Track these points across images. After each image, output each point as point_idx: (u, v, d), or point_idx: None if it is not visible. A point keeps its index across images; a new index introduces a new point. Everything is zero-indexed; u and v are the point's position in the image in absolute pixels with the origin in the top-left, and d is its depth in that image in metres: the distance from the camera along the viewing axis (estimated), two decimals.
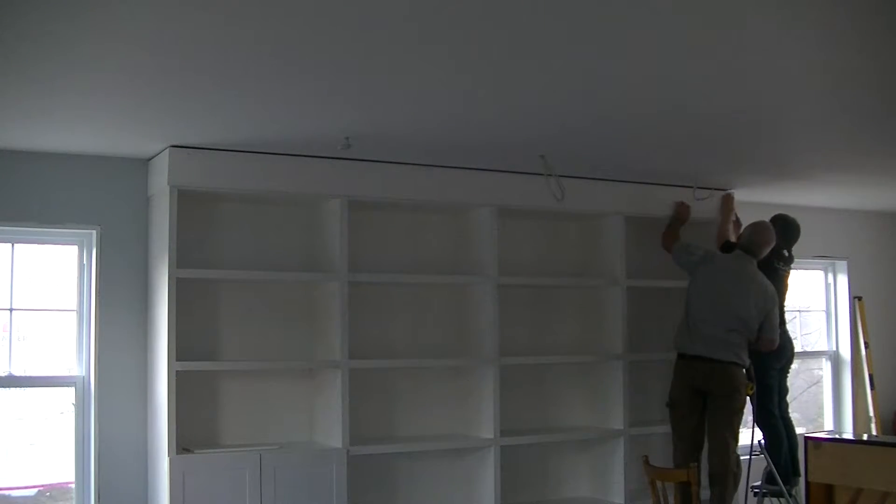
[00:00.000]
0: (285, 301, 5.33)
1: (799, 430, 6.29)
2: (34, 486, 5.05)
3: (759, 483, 5.88)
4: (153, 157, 5.02)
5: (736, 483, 5.37)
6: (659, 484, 4.89)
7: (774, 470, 5.69)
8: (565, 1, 2.97)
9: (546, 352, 5.98)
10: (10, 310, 4.95)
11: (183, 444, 4.74)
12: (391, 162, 5.24)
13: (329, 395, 5.17)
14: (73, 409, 4.97)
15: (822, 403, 7.64)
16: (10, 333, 5.00)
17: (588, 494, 6.06)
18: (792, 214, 7.26)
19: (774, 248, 5.85)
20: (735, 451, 5.37)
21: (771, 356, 5.82)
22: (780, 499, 5.88)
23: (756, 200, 6.74)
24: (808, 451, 4.84)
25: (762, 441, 5.98)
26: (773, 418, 5.89)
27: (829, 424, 7.53)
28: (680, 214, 6.02)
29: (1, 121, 4.30)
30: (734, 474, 5.34)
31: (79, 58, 3.39)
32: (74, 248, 5.08)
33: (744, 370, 5.43)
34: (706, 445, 5.42)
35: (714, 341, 5.37)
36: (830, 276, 7.65)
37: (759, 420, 5.84)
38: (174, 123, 4.42)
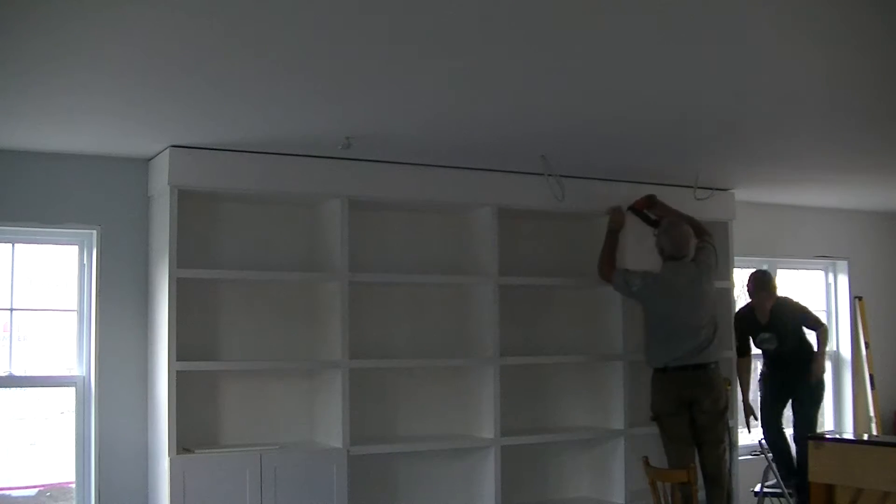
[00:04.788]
0: (285, 301, 5.33)
1: None
2: (35, 486, 5.06)
3: (758, 485, 5.89)
4: (153, 157, 5.02)
5: (730, 486, 5.42)
6: (660, 484, 4.89)
7: (774, 469, 5.69)
8: (565, 2, 2.98)
9: (546, 352, 5.98)
10: (11, 310, 4.96)
11: (183, 444, 4.74)
12: (391, 162, 5.24)
13: (329, 395, 5.17)
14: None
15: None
16: (10, 333, 5.00)
17: (588, 494, 6.06)
18: (792, 214, 7.31)
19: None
20: (727, 453, 5.46)
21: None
22: (781, 499, 5.89)
23: (756, 200, 6.75)
24: (809, 451, 4.84)
25: (762, 441, 6.00)
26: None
27: (829, 424, 7.53)
28: (616, 222, 5.75)
29: (1, 121, 4.30)
30: (728, 476, 5.41)
31: (79, 58, 3.40)
32: (74, 248, 5.08)
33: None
34: (699, 449, 5.42)
35: (693, 347, 5.41)
36: (831, 276, 7.65)
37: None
38: (174, 123, 4.42)
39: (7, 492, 4.98)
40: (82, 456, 4.96)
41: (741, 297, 7.07)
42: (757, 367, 6.54)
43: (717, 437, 5.40)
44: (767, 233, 7.05)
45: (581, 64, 3.60)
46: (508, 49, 3.41)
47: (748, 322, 6.34)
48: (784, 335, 6.26)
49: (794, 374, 6.20)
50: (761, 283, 6.33)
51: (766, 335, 6.28)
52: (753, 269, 6.76)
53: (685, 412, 5.42)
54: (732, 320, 6.32)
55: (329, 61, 3.50)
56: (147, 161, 5.09)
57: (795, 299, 6.50)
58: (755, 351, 6.47)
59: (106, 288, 4.99)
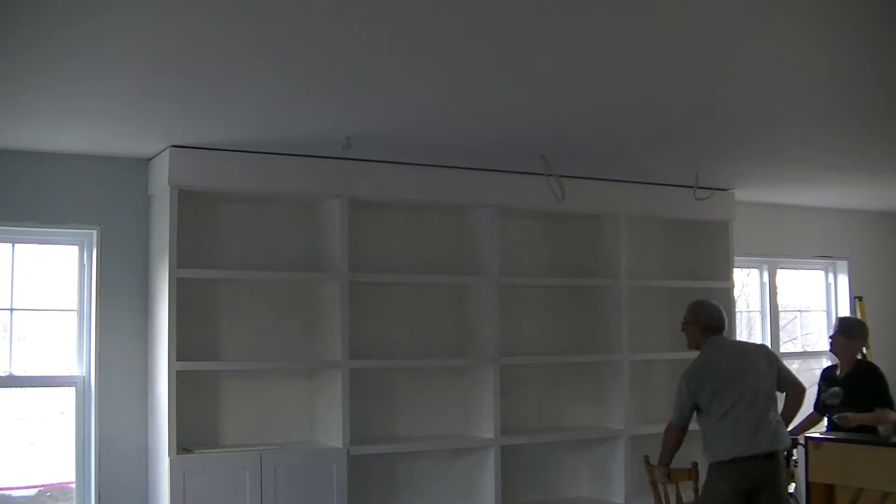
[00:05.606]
0: (285, 301, 5.33)
1: None
2: (35, 486, 5.06)
3: None
4: (153, 157, 5.02)
5: None
6: (661, 484, 4.89)
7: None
8: (566, 3, 2.98)
9: (546, 352, 5.98)
10: (11, 310, 4.96)
11: (183, 444, 4.74)
12: (391, 162, 5.24)
13: (329, 395, 5.17)
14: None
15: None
16: (11, 333, 5.00)
17: (588, 494, 6.06)
18: (792, 214, 7.27)
19: None
20: None
21: None
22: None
23: (756, 200, 6.75)
24: (809, 451, 4.83)
25: None
26: None
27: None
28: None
29: (2, 121, 4.30)
30: None
31: (79, 58, 3.40)
32: (74, 248, 5.08)
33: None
34: None
35: (761, 430, 4.64)
36: (831, 275, 7.65)
37: None
38: (174, 123, 4.43)
39: (7, 492, 4.98)
40: (82, 456, 4.96)
41: (741, 297, 7.09)
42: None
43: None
44: (767, 233, 7.05)
45: (582, 64, 3.60)
46: (509, 49, 3.40)
47: (826, 375, 5.62)
48: (851, 398, 5.35)
49: None
50: (843, 327, 5.53)
51: (836, 389, 5.42)
52: None
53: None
54: (732, 321, 6.31)
55: (329, 61, 3.49)
56: (147, 161, 5.09)
57: (881, 371, 5.55)
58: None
59: (106, 288, 4.99)
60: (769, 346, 5.26)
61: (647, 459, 4.96)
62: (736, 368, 4.76)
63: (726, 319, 4.96)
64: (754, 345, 5.11)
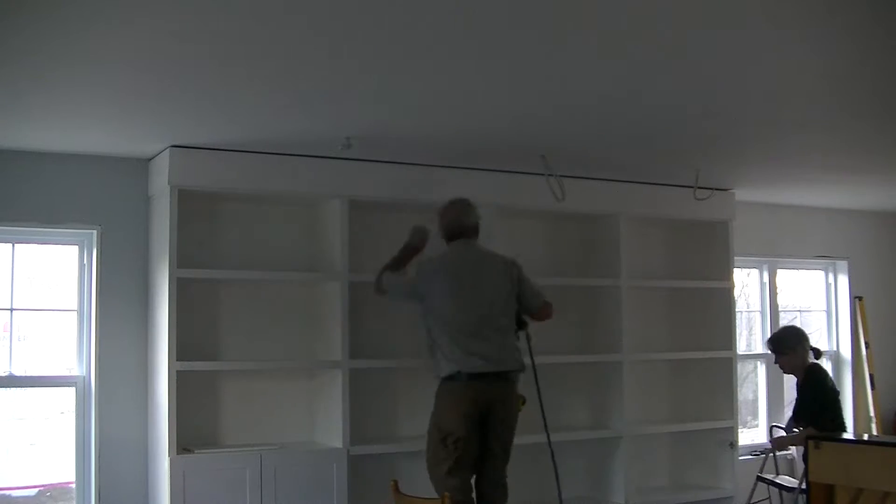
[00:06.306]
0: (285, 301, 5.33)
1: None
2: (35, 486, 5.06)
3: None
4: (153, 157, 5.02)
5: None
6: None
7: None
8: (566, 3, 2.98)
9: (546, 352, 5.96)
10: (11, 310, 4.96)
11: (183, 444, 4.74)
12: (391, 162, 5.24)
13: (329, 395, 5.17)
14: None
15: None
16: (11, 333, 5.00)
17: (588, 494, 6.06)
18: (792, 214, 7.26)
19: None
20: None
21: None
22: (783, 492, 5.87)
23: (756, 200, 6.75)
24: (809, 451, 4.84)
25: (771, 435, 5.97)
26: None
27: None
28: (417, 243, 4.96)
29: (2, 121, 4.30)
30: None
31: (79, 58, 3.40)
32: (74, 248, 5.08)
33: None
34: (483, 472, 4.77)
35: (490, 348, 4.52)
36: (831, 276, 7.65)
37: None
38: (174, 123, 4.43)
39: (7, 492, 4.99)
40: (82, 456, 4.96)
41: (741, 297, 7.08)
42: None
43: (505, 463, 4.73)
44: (767, 233, 7.05)
45: (581, 64, 3.60)
46: (509, 49, 3.41)
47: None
48: (800, 411, 5.55)
49: None
50: (772, 347, 5.61)
51: (794, 400, 5.65)
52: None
53: (477, 427, 4.56)
54: (732, 321, 6.32)
55: (329, 62, 3.50)
56: (147, 161, 5.09)
57: (823, 378, 5.57)
58: None
59: (106, 288, 4.99)
60: (517, 262, 4.78)
61: (395, 485, 4.36)
62: (474, 275, 4.59)
63: (478, 222, 4.69)
64: (502, 258, 4.75)
